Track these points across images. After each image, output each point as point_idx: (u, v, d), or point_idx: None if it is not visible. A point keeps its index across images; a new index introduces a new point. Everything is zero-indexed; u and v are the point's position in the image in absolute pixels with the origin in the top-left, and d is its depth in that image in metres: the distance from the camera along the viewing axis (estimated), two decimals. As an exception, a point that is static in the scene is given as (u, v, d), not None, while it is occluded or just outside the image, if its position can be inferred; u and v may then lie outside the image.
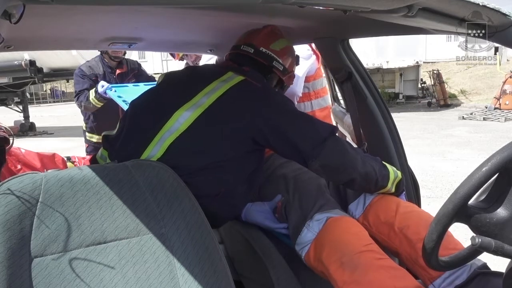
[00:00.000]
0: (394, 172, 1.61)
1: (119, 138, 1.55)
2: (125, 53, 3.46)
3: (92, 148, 3.47)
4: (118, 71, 3.40)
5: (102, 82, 3.10)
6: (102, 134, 1.69)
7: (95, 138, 3.45)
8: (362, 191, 1.65)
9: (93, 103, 3.16)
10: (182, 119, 1.46)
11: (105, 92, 3.03)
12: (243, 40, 1.72)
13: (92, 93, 3.16)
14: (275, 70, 1.71)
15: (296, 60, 1.85)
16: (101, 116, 3.34)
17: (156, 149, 1.44)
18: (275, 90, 1.74)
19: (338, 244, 1.37)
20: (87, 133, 3.50)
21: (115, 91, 3.03)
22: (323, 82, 2.65)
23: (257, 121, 1.44)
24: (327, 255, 1.36)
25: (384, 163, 1.61)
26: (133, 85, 3.20)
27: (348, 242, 1.36)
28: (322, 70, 2.66)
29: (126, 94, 3.00)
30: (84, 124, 3.52)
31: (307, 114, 1.64)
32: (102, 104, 3.16)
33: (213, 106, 1.47)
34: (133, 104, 1.67)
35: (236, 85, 1.52)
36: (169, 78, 1.70)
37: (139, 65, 3.64)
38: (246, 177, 1.53)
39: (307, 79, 2.49)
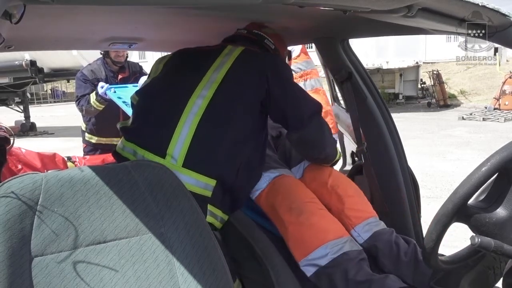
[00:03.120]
0: (339, 154, 1.92)
1: (142, 128, 1.57)
2: (127, 57, 3.43)
3: (90, 148, 3.45)
4: (120, 76, 3.37)
5: (101, 83, 3.07)
6: (119, 126, 1.69)
7: (94, 139, 3.43)
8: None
9: (95, 106, 3.13)
10: (201, 98, 1.52)
11: (105, 93, 3.02)
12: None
13: (93, 96, 3.13)
14: (267, 47, 1.78)
15: (287, 51, 1.97)
16: (101, 120, 3.30)
17: (184, 132, 1.48)
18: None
19: (289, 194, 1.66)
20: (86, 134, 3.47)
21: (115, 91, 3.03)
22: (310, 64, 2.72)
23: (262, 80, 1.55)
24: (279, 201, 1.65)
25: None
26: (133, 86, 3.17)
27: (297, 194, 1.67)
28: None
29: (126, 95, 2.99)
30: (84, 125, 3.49)
31: (301, 88, 1.76)
32: (103, 106, 3.13)
33: (225, 80, 1.55)
34: (144, 94, 1.69)
35: (239, 55, 1.61)
36: (172, 63, 1.73)
37: (141, 67, 3.61)
38: (260, 141, 1.62)
39: (295, 60, 2.57)
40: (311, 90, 2.61)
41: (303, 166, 1.93)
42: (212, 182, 1.46)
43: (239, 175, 1.52)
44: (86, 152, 3.48)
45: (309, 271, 1.55)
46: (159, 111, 1.57)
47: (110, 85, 3.13)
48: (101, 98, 3.07)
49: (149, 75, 1.85)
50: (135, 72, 3.48)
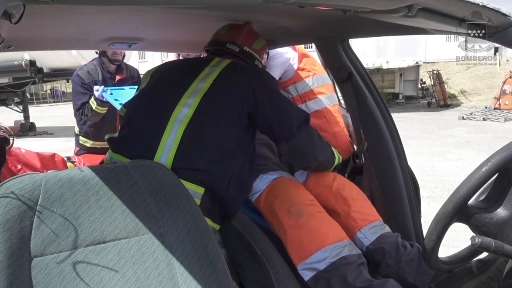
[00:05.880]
0: (338, 159, 1.88)
1: (128, 139, 1.55)
2: (124, 56, 3.35)
3: (84, 152, 3.33)
4: (118, 77, 3.29)
5: (96, 86, 3.00)
6: (106, 137, 1.67)
7: (89, 143, 3.33)
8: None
9: (98, 111, 3.06)
10: (186, 107, 1.51)
11: (101, 96, 2.95)
12: (226, 37, 1.75)
13: (93, 102, 3.05)
14: (241, 52, 1.77)
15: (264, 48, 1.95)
16: (99, 123, 3.21)
17: (170, 140, 1.46)
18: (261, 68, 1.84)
19: (288, 196, 1.67)
20: (80, 137, 3.37)
21: (111, 93, 2.95)
22: (311, 83, 2.30)
23: (249, 92, 1.54)
24: (278, 203, 1.66)
25: (333, 149, 1.86)
26: (130, 88, 3.08)
27: (296, 196, 1.68)
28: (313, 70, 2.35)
29: (122, 97, 2.89)
30: (78, 129, 3.38)
31: (288, 99, 1.75)
32: (106, 108, 3.05)
33: (211, 90, 1.55)
34: (131, 105, 1.68)
35: (226, 67, 1.62)
36: (159, 74, 1.73)
37: (138, 72, 3.51)
38: (249, 154, 1.60)
39: (286, 83, 2.26)
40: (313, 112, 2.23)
41: (306, 170, 1.94)
42: (201, 190, 1.44)
43: (230, 187, 1.50)
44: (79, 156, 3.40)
45: (306, 276, 1.54)
46: (145, 121, 1.55)
47: (107, 86, 3.05)
48: (100, 101, 3.00)
49: (138, 87, 1.85)
50: (133, 76, 3.39)
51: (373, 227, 1.69)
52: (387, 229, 1.71)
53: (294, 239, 1.59)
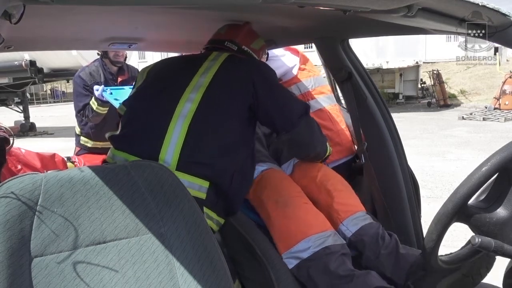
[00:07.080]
0: (329, 151, 1.90)
1: (132, 136, 1.55)
2: (126, 57, 3.34)
3: (84, 152, 3.33)
4: (120, 79, 3.28)
5: (96, 86, 2.99)
6: (107, 136, 1.66)
7: (90, 143, 3.32)
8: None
9: (99, 111, 3.04)
10: (190, 102, 1.52)
11: (102, 95, 2.93)
12: (225, 36, 1.76)
13: (93, 103, 3.03)
14: (234, 48, 1.76)
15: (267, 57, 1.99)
16: (100, 123, 3.19)
17: (175, 136, 1.47)
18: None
19: (276, 187, 1.70)
20: (81, 138, 3.36)
21: (111, 93, 2.94)
22: (312, 83, 2.38)
23: (249, 84, 1.56)
24: (267, 194, 1.69)
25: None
26: (130, 88, 3.07)
27: (284, 187, 1.71)
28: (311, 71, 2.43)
29: (122, 97, 2.87)
30: (79, 129, 3.36)
31: (288, 90, 1.77)
32: (107, 109, 3.04)
33: (212, 84, 1.56)
34: (131, 103, 1.68)
35: (225, 60, 1.63)
36: (156, 71, 1.73)
37: (139, 72, 3.52)
38: (251, 148, 1.62)
39: (288, 83, 2.33)
40: (311, 113, 2.24)
41: (292, 162, 1.98)
42: (206, 184, 1.45)
43: (233, 181, 1.51)
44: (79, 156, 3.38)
45: (291, 264, 1.57)
46: (148, 117, 1.55)
47: (107, 87, 3.06)
48: (100, 101, 2.98)
49: (135, 85, 1.84)
50: (134, 77, 3.33)
51: (355, 218, 1.70)
52: (369, 219, 1.72)
53: (280, 229, 1.62)
